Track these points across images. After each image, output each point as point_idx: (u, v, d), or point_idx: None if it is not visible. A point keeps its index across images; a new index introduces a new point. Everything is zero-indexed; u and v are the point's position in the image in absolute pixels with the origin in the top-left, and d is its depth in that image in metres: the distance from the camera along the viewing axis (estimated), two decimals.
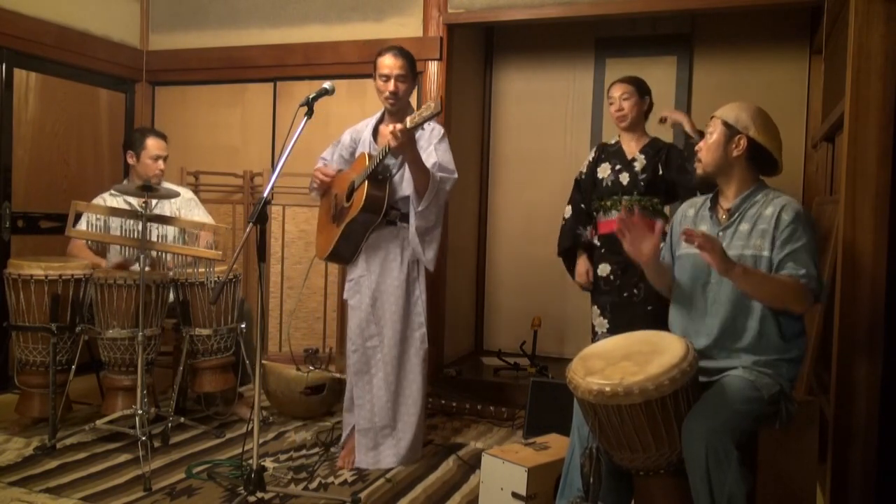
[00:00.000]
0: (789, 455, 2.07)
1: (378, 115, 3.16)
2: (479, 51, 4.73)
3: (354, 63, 4.15)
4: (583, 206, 3.29)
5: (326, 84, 2.60)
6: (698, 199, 2.30)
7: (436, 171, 2.90)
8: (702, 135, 2.98)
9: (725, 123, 2.14)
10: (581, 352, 2.10)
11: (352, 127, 3.26)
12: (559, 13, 3.80)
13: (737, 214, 2.13)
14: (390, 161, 2.99)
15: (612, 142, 3.27)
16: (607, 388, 1.87)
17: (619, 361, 1.97)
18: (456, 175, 3.00)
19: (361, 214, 2.93)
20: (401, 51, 3.01)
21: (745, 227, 2.10)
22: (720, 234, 2.14)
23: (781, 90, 4.08)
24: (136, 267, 3.27)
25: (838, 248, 2.38)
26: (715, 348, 2.10)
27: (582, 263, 3.27)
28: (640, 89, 3.15)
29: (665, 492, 1.97)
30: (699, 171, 2.19)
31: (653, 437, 1.89)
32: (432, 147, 2.97)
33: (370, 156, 2.98)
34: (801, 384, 2.27)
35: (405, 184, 2.98)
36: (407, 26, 4.08)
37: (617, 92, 3.13)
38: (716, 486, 1.81)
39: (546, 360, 4.26)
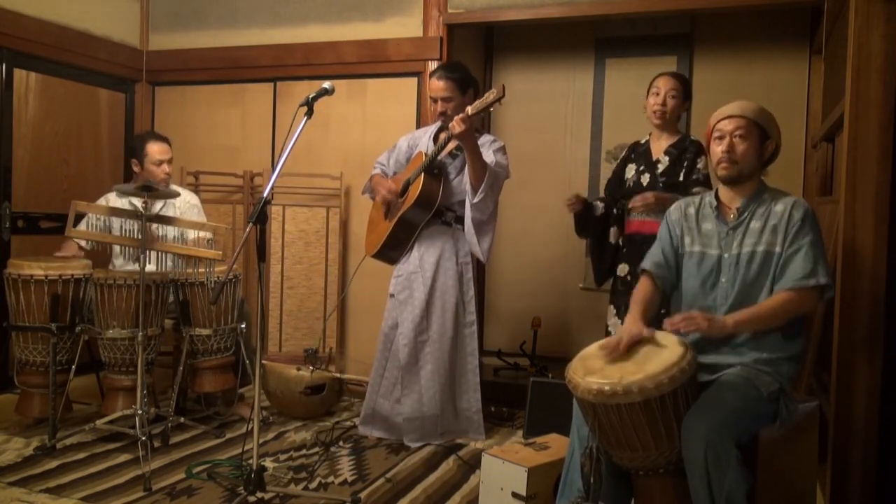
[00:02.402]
0: (789, 455, 2.07)
1: (438, 123, 3.33)
2: (479, 51, 4.73)
3: (354, 63, 4.15)
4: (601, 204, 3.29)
5: (326, 84, 2.60)
6: (695, 198, 2.31)
7: (493, 166, 3.06)
8: (700, 150, 3.02)
9: (759, 126, 2.13)
10: (580, 352, 2.10)
11: (408, 134, 3.46)
12: (559, 13, 3.80)
13: (746, 213, 2.14)
14: (447, 160, 3.18)
15: (643, 141, 3.22)
16: (607, 388, 1.87)
17: (619, 361, 1.97)
18: (509, 174, 3.20)
19: (414, 208, 3.11)
20: (446, 72, 3.20)
21: (756, 224, 2.11)
22: (729, 232, 2.15)
23: (781, 90, 4.08)
24: (136, 266, 3.28)
25: (838, 248, 2.39)
26: (717, 343, 2.10)
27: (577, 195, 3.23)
28: (687, 91, 3.10)
29: (664, 491, 1.96)
30: (733, 172, 2.13)
31: (652, 436, 1.89)
32: (490, 150, 3.14)
33: (426, 154, 3.16)
34: (801, 384, 2.27)
35: (462, 187, 3.15)
36: (407, 26, 4.07)
37: (666, 86, 3.04)
38: (715, 486, 1.81)
39: (546, 360, 4.25)
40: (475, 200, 3.05)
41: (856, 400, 2.31)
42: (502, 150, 3.22)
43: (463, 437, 3.29)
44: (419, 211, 3.13)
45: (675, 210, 2.33)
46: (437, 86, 3.17)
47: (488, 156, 3.12)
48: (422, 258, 3.22)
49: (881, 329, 2.29)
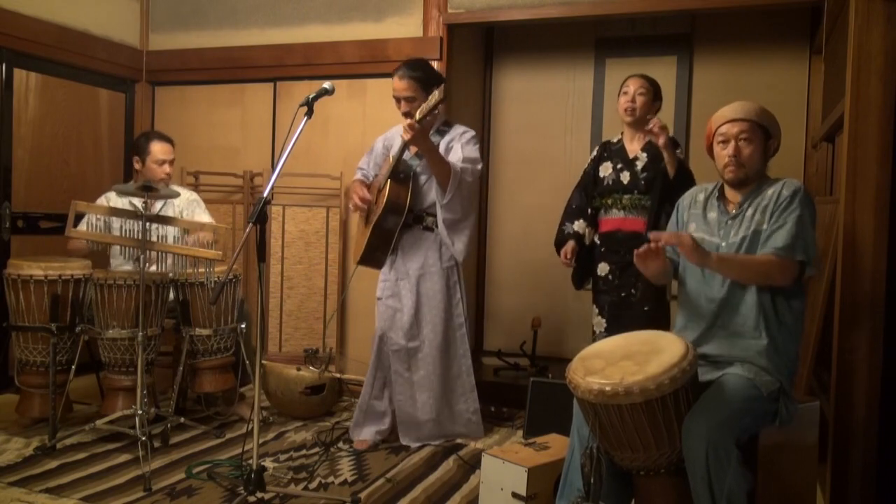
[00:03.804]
0: (789, 455, 2.08)
1: None
2: (479, 51, 4.73)
3: (354, 63, 4.15)
4: (574, 205, 3.30)
5: (326, 84, 2.60)
6: (709, 185, 2.30)
7: (459, 164, 3.01)
8: (676, 143, 3.03)
9: (762, 127, 2.13)
10: (581, 352, 2.10)
11: (382, 135, 3.38)
12: (559, 13, 3.79)
13: (745, 203, 2.15)
14: (413, 162, 3.11)
15: (615, 140, 3.27)
16: (608, 388, 1.86)
17: (619, 361, 1.97)
18: (479, 165, 3.12)
19: (384, 215, 3.05)
20: (408, 70, 3.09)
21: (750, 211, 2.13)
22: (728, 222, 2.16)
23: (781, 90, 4.08)
24: (136, 266, 3.27)
25: (838, 248, 2.38)
26: (715, 327, 2.12)
27: (567, 245, 3.25)
28: (656, 91, 3.17)
29: (665, 491, 1.96)
30: (740, 175, 2.13)
31: (653, 436, 1.89)
32: (460, 144, 3.09)
33: (393, 157, 3.10)
34: (801, 384, 2.27)
35: (434, 189, 3.08)
36: (407, 26, 4.07)
37: (634, 85, 3.13)
38: (716, 486, 1.81)
39: (546, 360, 4.25)
40: (444, 201, 3.02)
41: (856, 400, 2.32)
42: (472, 140, 3.14)
43: (462, 439, 3.28)
44: (391, 216, 3.06)
45: (687, 196, 2.34)
46: (399, 85, 3.06)
47: (457, 151, 3.06)
48: (406, 265, 3.17)
49: (881, 329, 2.30)
